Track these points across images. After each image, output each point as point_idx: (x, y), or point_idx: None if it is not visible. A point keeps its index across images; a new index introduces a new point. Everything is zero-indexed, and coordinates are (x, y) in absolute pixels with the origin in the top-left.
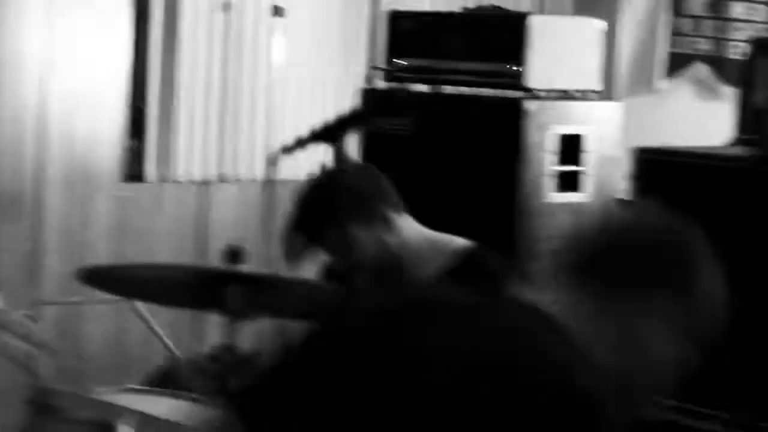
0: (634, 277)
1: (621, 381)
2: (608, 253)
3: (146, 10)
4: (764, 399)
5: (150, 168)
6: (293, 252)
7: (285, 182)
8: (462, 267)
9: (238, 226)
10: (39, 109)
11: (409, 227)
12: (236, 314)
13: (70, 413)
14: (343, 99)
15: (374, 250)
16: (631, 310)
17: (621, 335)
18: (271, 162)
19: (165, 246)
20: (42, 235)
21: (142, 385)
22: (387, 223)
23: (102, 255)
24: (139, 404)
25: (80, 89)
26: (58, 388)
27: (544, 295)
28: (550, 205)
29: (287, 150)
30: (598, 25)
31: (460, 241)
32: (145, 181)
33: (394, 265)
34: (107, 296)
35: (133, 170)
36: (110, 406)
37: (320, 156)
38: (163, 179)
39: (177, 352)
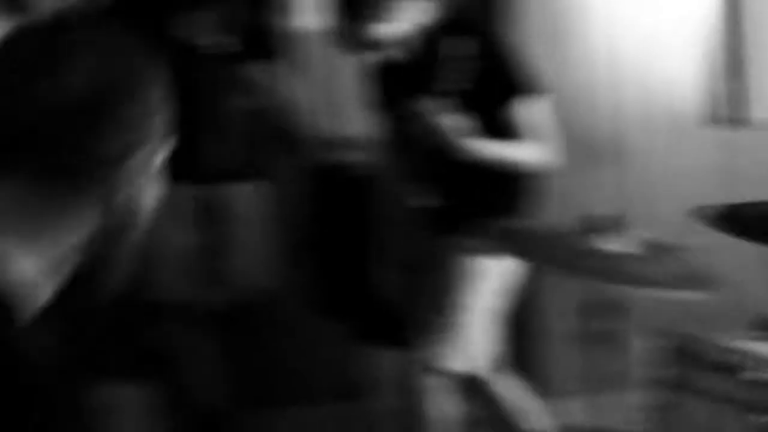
0: None
1: None
2: None
3: None
4: None
5: (753, 110)
6: None
7: None
8: None
9: None
10: (608, 55)
11: None
12: None
13: (706, 359)
14: None
15: None
16: None
17: None
18: None
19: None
20: (642, 178)
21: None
22: None
23: (705, 198)
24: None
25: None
26: (696, 334)
27: None
28: None
29: None
30: None
31: None
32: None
33: None
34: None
35: (729, 113)
36: (742, 352)
37: None
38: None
39: None
